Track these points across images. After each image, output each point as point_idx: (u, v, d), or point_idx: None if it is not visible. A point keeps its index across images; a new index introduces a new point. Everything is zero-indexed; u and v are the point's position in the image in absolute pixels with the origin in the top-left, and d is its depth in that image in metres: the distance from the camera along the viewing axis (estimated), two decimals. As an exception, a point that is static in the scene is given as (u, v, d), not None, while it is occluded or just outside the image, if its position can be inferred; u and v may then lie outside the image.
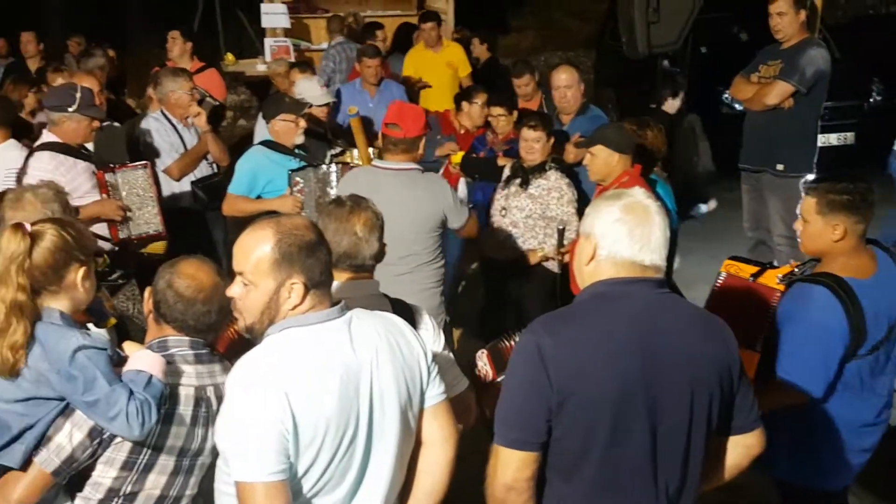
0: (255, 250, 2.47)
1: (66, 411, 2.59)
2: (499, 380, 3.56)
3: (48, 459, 2.56)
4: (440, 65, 9.26)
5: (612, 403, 2.48)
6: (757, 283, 3.56)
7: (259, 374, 2.40)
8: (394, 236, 4.31)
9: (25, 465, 2.58)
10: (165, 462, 2.67)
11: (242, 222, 6.08)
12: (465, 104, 6.97)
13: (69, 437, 2.57)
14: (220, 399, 2.74)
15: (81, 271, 2.71)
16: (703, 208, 8.95)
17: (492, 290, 6.11)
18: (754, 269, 3.64)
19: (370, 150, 6.23)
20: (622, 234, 2.55)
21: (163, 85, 6.17)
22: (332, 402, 2.42)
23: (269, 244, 2.46)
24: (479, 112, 6.88)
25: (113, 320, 3.09)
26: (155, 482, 2.68)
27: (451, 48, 9.54)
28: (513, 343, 3.70)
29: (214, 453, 2.70)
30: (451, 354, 3.36)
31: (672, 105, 7.49)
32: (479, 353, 3.67)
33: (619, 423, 2.49)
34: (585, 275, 2.65)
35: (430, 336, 3.26)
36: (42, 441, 2.58)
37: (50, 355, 2.54)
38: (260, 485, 2.33)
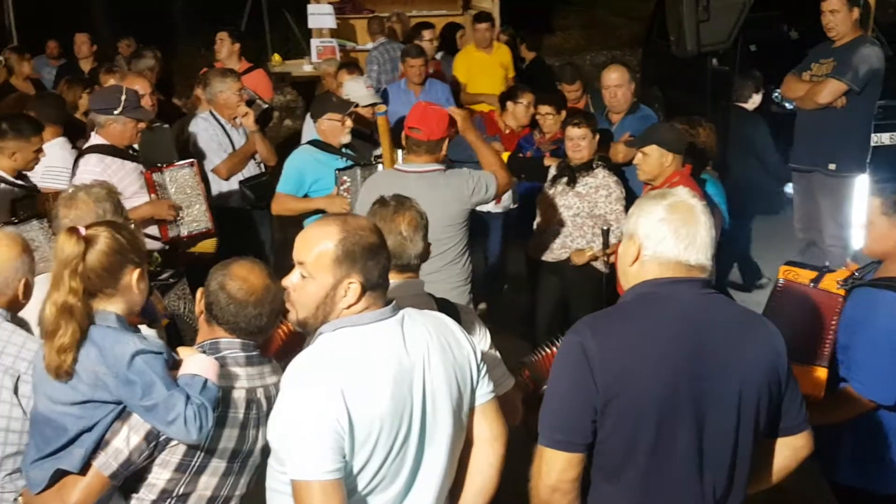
0: (318, 244, 2.49)
1: (122, 415, 2.61)
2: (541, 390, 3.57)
3: (106, 463, 2.58)
4: (493, 66, 9.12)
5: (657, 404, 2.46)
6: (818, 290, 3.51)
7: (315, 373, 2.42)
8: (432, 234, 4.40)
9: (83, 468, 2.60)
10: (217, 464, 2.69)
11: (289, 221, 6.20)
12: (509, 104, 6.95)
13: (126, 440, 2.59)
14: (269, 400, 2.77)
15: (136, 273, 2.73)
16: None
17: (538, 291, 6.08)
18: (812, 273, 3.58)
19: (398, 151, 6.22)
20: (667, 234, 2.54)
21: (212, 85, 6.23)
22: (386, 401, 2.43)
23: (333, 240, 2.48)
24: (524, 112, 6.86)
25: (165, 321, 3.12)
26: (207, 483, 2.70)
27: (501, 49, 9.43)
28: (552, 351, 3.69)
29: (265, 454, 2.72)
30: (497, 353, 3.36)
31: (754, 101, 7.33)
32: (530, 358, 3.67)
33: (664, 424, 2.47)
34: (630, 275, 2.64)
35: (477, 334, 3.27)
36: (100, 445, 2.60)
37: (107, 359, 2.56)
38: (316, 483, 2.34)
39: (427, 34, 9.22)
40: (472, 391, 2.69)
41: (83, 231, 2.63)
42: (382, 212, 3.26)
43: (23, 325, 3.02)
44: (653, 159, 4.99)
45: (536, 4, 13.03)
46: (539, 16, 10.56)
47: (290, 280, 2.56)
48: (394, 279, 3.17)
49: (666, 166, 4.97)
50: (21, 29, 11.70)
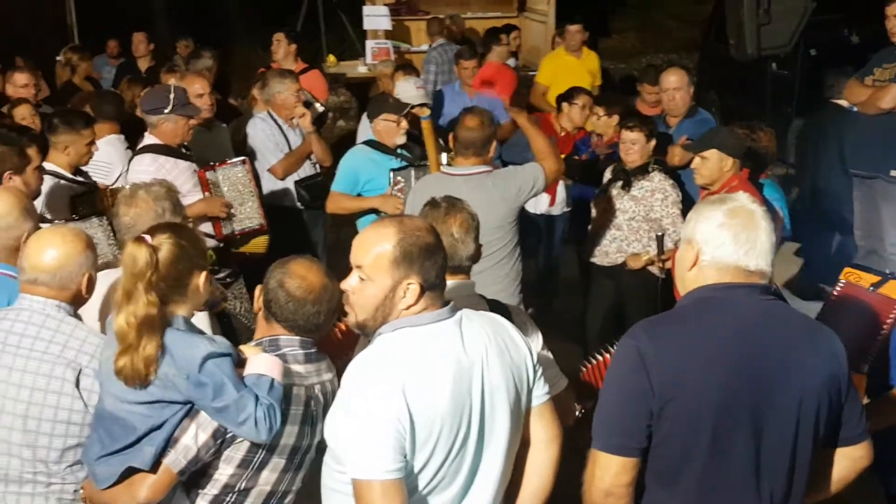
0: (376, 246, 2.49)
1: (191, 413, 2.65)
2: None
3: (176, 460, 2.62)
4: (581, 71, 8.79)
5: (714, 410, 2.44)
6: (876, 294, 3.45)
7: (375, 373, 2.43)
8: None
9: (153, 466, 2.64)
10: (278, 460, 2.72)
11: (342, 222, 6.24)
12: (565, 105, 6.92)
13: (195, 438, 2.63)
14: (326, 397, 2.80)
15: (203, 276, 2.76)
16: None
17: (591, 295, 6.05)
18: (875, 278, 3.52)
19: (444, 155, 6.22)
20: (726, 239, 2.52)
21: (270, 86, 6.28)
22: (446, 401, 2.43)
23: (390, 242, 2.48)
24: (579, 114, 6.82)
25: (224, 304, 3.14)
26: (267, 479, 2.74)
27: (591, 56, 9.16)
28: (605, 359, 3.67)
29: (320, 450, 2.75)
30: (549, 353, 3.36)
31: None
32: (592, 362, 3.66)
33: (721, 430, 2.45)
34: (688, 280, 2.62)
35: (528, 335, 3.26)
36: (169, 442, 2.64)
37: (178, 361, 2.59)
38: (377, 482, 2.34)
39: (504, 38, 9.00)
40: (529, 392, 2.69)
41: (150, 240, 2.64)
42: (434, 214, 3.27)
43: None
44: (712, 163, 4.94)
45: (592, 7, 12.96)
46: (594, 18, 10.50)
47: (349, 283, 2.56)
48: (447, 280, 3.20)
49: (725, 171, 4.93)
50: (82, 28, 11.93)
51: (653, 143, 5.55)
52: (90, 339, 2.89)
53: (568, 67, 8.83)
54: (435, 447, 2.44)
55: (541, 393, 2.73)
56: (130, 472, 2.65)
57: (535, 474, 2.74)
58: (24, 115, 5.96)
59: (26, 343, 2.85)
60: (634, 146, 5.52)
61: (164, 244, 2.66)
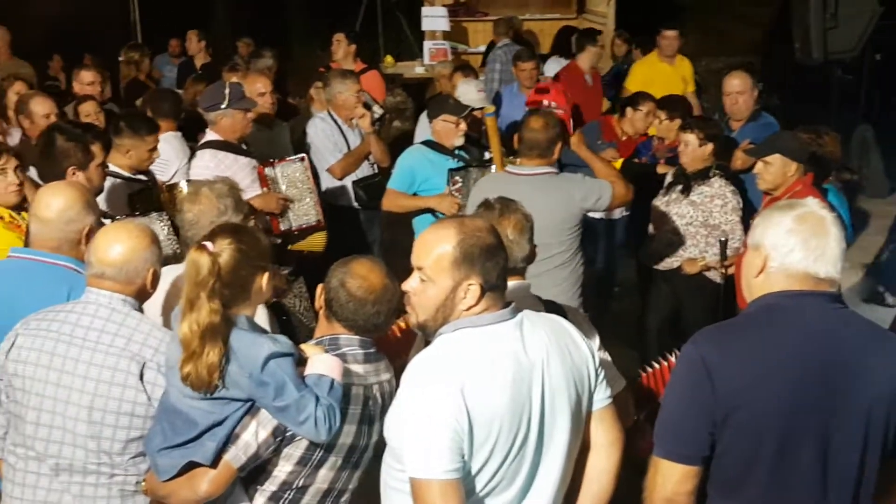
0: (437, 247, 2.49)
1: (252, 410, 2.67)
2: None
3: (236, 456, 2.65)
4: (674, 78, 8.52)
5: (779, 420, 2.41)
6: None
7: (435, 372, 2.43)
8: (542, 240, 4.39)
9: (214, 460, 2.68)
10: (335, 459, 2.74)
11: (397, 222, 6.25)
12: (629, 110, 6.87)
13: (255, 435, 2.65)
14: (384, 397, 2.81)
15: (265, 276, 2.77)
16: None
17: (648, 298, 5.99)
18: None
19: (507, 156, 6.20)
20: (796, 245, 2.48)
21: (331, 86, 6.33)
22: (505, 402, 2.42)
23: (451, 243, 2.48)
24: (643, 119, 6.77)
25: (284, 287, 3.13)
26: (325, 477, 2.75)
27: (684, 63, 8.83)
28: (663, 367, 3.63)
29: (376, 450, 2.76)
30: (607, 355, 3.34)
31: None
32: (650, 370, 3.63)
33: (786, 440, 2.42)
34: (754, 287, 2.59)
35: (586, 336, 3.24)
36: (230, 438, 2.66)
37: (241, 360, 2.61)
38: (435, 482, 2.34)
39: (593, 48, 8.61)
40: (590, 395, 2.68)
41: (211, 247, 2.65)
42: (488, 215, 3.26)
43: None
44: (775, 168, 4.87)
45: (652, 9, 12.82)
46: (654, 20, 10.37)
47: (410, 284, 2.56)
48: None
49: (788, 176, 4.86)
50: (145, 28, 12.13)
51: (708, 147, 5.45)
52: (154, 334, 2.93)
53: (661, 74, 8.53)
54: (493, 449, 2.43)
55: (602, 396, 2.71)
56: (191, 465, 2.69)
57: (595, 480, 2.72)
58: (89, 111, 6.06)
59: (92, 336, 2.89)
60: (687, 147, 5.47)
61: (226, 250, 2.66)
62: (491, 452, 2.42)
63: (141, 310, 3.04)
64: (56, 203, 3.32)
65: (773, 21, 11.36)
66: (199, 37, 10.42)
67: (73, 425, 2.88)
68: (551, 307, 3.25)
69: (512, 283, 3.19)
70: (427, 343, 2.70)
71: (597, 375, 2.68)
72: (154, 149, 5.10)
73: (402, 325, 3.26)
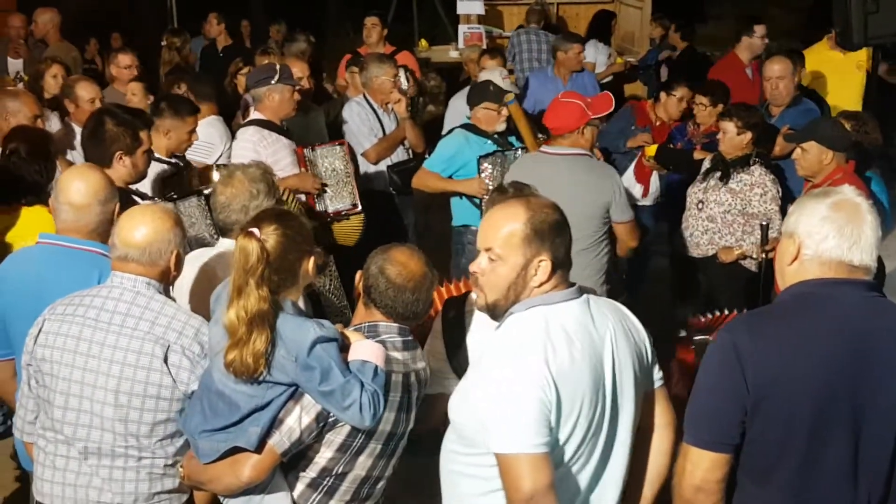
0: (506, 225, 2.51)
1: (295, 395, 2.67)
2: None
3: (280, 441, 2.65)
4: (848, 66, 7.78)
5: (811, 409, 2.41)
6: None
7: (518, 348, 2.45)
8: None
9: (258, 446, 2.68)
10: (374, 446, 2.75)
11: (431, 207, 6.26)
12: (663, 95, 6.82)
13: (298, 420, 2.66)
14: (420, 384, 2.83)
15: (311, 260, 2.78)
16: None
17: (680, 286, 5.95)
18: None
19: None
20: (830, 233, 2.47)
21: (368, 69, 6.34)
22: (586, 375, 2.45)
23: (521, 220, 2.50)
24: (676, 105, 6.72)
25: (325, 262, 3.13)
26: (363, 464, 2.76)
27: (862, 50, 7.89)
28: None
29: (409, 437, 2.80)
30: None
31: None
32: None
33: (818, 428, 2.42)
34: (788, 275, 2.58)
35: None
36: (273, 423, 2.67)
37: (287, 344, 2.61)
38: (524, 456, 2.35)
39: (758, 29, 7.71)
40: (649, 375, 2.72)
41: (258, 233, 2.65)
42: (500, 199, 3.26)
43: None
44: (811, 156, 4.83)
45: (690, -9, 12.74)
46: (692, 5, 10.28)
47: (479, 265, 2.57)
48: None
49: (825, 164, 4.81)
50: (181, 12, 12.19)
51: (747, 135, 5.39)
52: (178, 317, 2.95)
53: (832, 63, 7.84)
54: (577, 421, 2.45)
55: (657, 378, 2.76)
56: (233, 450, 2.69)
57: (654, 461, 2.77)
58: (135, 91, 6.11)
59: (117, 320, 2.91)
60: (725, 136, 5.45)
61: (272, 236, 2.66)
62: (574, 424, 2.45)
63: (167, 293, 3.06)
64: (87, 187, 3.34)
65: (813, 4, 11.19)
66: (218, 19, 10.36)
67: (100, 409, 2.91)
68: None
69: None
70: (451, 329, 2.71)
71: (653, 356, 2.73)
72: (193, 131, 5.12)
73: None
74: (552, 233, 2.51)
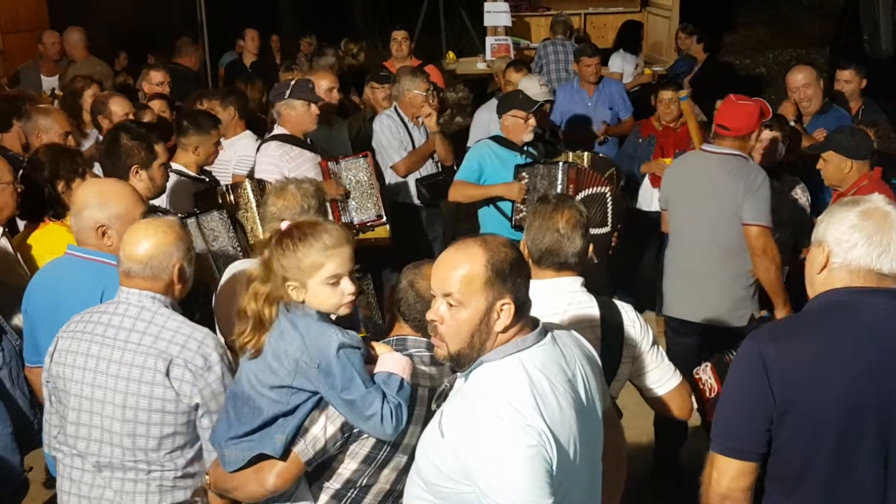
0: (464, 267, 2.35)
1: (321, 404, 2.68)
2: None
3: (305, 450, 2.66)
4: None
5: (838, 417, 2.40)
6: None
7: (507, 404, 2.27)
8: (708, 218, 4.63)
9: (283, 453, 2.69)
10: (399, 459, 2.74)
11: (460, 218, 6.26)
12: (654, 100, 6.93)
13: (323, 429, 2.66)
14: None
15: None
16: None
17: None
18: None
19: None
20: (859, 241, 2.47)
21: (401, 83, 6.37)
22: (572, 417, 2.34)
23: (480, 261, 2.34)
24: (666, 105, 6.88)
25: (363, 332, 3.13)
26: (387, 477, 2.75)
27: None
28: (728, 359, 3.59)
29: None
30: (660, 350, 3.33)
31: None
32: (703, 365, 3.59)
33: (846, 438, 2.41)
34: (817, 283, 2.57)
35: (637, 333, 3.25)
36: (299, 432, 2.68)
37: (310, 349, 2.62)
38: None
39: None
40: (605, 396, 2.68)
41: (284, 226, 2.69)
42: (542, 209, 3.26)
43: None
44: (832, 165, 4.85)
45: (718, 1, 12.65)
46: (720, 12, 10.20)
47: (437, 312, 2.40)
48: (552, 277, 3.17)
49: (846, 173, 4.82)
50: (211, 27, 12.30)
51: (766, 142, 5.37)
52: (182, 330, 2.97)
53: None
54: (571, 461, 2.33)
55: (608, 397, 2.74)
56: (259, 458, 2.71)
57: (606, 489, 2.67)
58: (160, 109, 6.17)
59: (122, 335, 2.96)
60: (761, 145, 5.40)
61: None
62: (569, 467, 2.32)
63: (174, 306, 3.07)
64: (99, 199, 3.42)
65: (843, 12, 11.10)
66: (254, 37, 10.45)
67: (109, 424, 2.95)
68: (604, 302, 3.25)
69: (564, 278, 3.21)
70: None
71: (602, 376, 2.68)
72: (218, 141, 5.19)
73: None
74: (513, 273, 2.34)
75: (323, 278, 2.63)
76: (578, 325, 3.08)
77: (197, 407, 2.93)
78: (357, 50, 9.45)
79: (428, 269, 2.78)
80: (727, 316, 4.72)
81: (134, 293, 3.00)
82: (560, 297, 3.14)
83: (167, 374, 2.90)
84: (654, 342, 3.30)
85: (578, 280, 3.26)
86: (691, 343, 4.87)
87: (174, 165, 4.88)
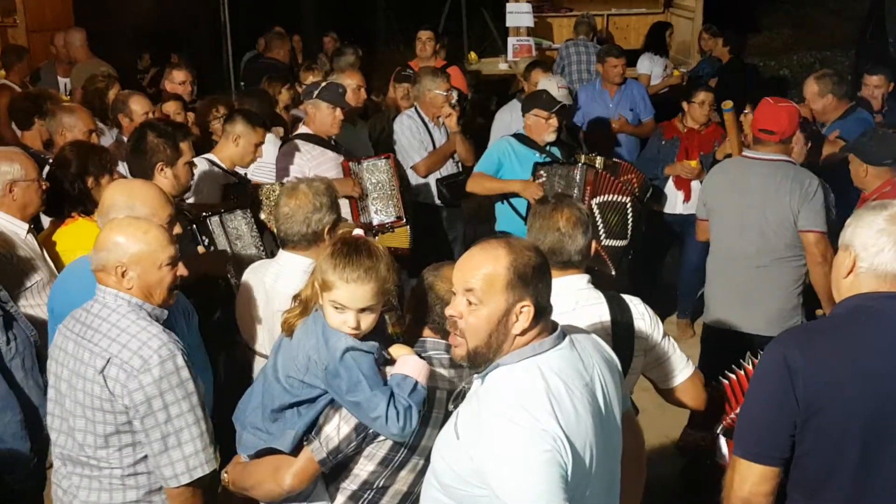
0: (487, 267, 2.35)
1: (335, 402, 2.69)
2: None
3: (318, 448, 2.67)
4: None
5: (863, 423, 2.38)
6: None
7: (523, 407, 2.26)
8: (757, 226, 4.60)
9: (294, 450, 2.71)
10: (416, 461, 2.74)
11: (480, 218, 6.26)
12: (684, 103, 6.86)
13: (337, 429, 2.67)
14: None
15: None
16: None
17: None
18: None
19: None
20: (886, 245, 2.46)
21: (421, 83, 6.39)
22: (589, 423, 2.32)
23: (503, 264, 2.34)
24: (699, 108, 6.78)
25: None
26: (405, 479, 2.76)
27: None
28: (740, 375, 3.58)
29: None
30: (672, 341, 3.33)
31: None
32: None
33: (870, 444, 2.39)
34: (843, 288, 2.56)
35: (647, 326, 3.25)
36: (312, 429, 2.70)
37: (320, 349, 2.65)
38: None
39: None
40: (624, 400, 2.67)
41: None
42: (542, 209, 3.27)
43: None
44: (853, 168, 4.85)
45: (741, 1, 12.57)
46: (744, 14, 10.13)
47: (457, 307, 2.40)
48: (557, 276, 3.14)
49: (863, 177, 4.81)
50: (235, 27, 12.36)
51: (804, 145, 5.33)
52: (129, 330, 2.94)
53: None
54: (588, 468, 2.31)
55: (627, 401, 2.74)
56: (269, 451, 2.74)
57: (626, 490, 2.64)
58: (174, 111, 6.19)
59: (87, 333, 2.99)
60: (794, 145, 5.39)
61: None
62: (584, 473, 2.30)
63: (154, 312, 3.04)
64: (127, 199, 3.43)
65: (868, 14, 11.01)
66: (281, 38, 10.48)
67: (69, 418, 3.00)
68: (612, 297, 3.25)
69: (570, 276, 3.21)
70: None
71: (622, 380, 2.66)
72: (260, 144, 5.12)
73: None
74: (535, 277, 2.35)
75: (330, 299, 2.64)
76: (588, 322, 3.09)
77: (130, 408, 2.89)
78: (439, 48, 9.47)
79: (448, 270, 2.78)
80: (776, 325, 4.58)
81: (101, 289, 3.03)
82: (567, 295, 3.12)
83: (102, 371, 2.89)
84: (665, 334, 3.30)
85: (585, 277, 3.26)
86: (732, 352, 4.82)
87: (209, 156, 4.90)
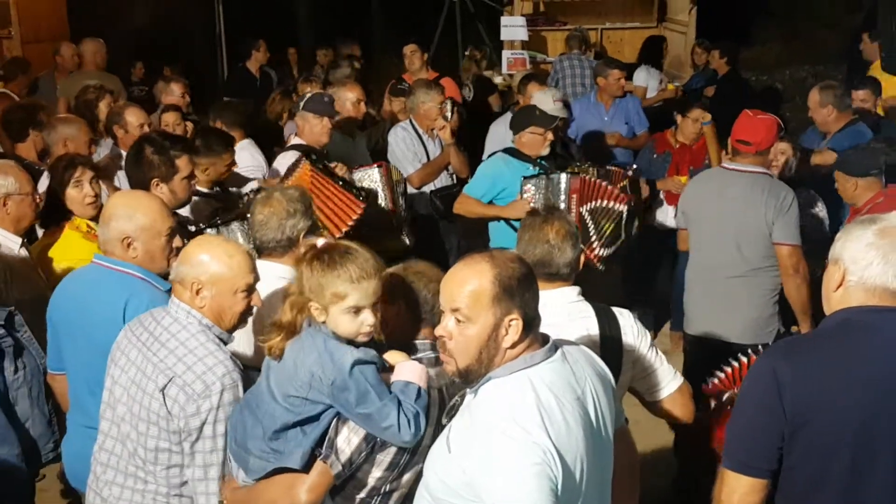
0: (472, 283, 2.34)
1: (341, 415, 2.68)
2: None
3: (333, 461, 2.66)
4: None
5: (851, 436, 2.39)
6: None
7: (513, 421, 2.26)
8: (733, 236, 4.63)
9: (304, 466, 2.69)
10: (417, 461, 2.73)
11: (474, 231, 6.27)
12: (678, 117, 6.87)
13: (347, 440, 2.67)
14: (446, 400, 2.79)
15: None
16: None
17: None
18: None
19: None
20: (875, 259, 2.46)
21: (416, 95, 6.42)
22: (580, 436, 2.33)
23: (488, 276, 2.34)
24: (692, 125, 6.80)
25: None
26: (408, 481, 2.76)
27: None
28: (738, 366, 3.61)
29: None
30: (660, 354, 3.34)
31: None
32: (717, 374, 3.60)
33: (859, 457, 2.40)
34: (832, 301, 2.57)
35: (634, 339, 3.26)
36: (322, 443, 2.69)
37: (325, 364, 2.63)
38: None
39: None
40: (617, 414, 2.68)
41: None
42: (531, 221, 3.29)
43: None
44: (840, 184, 4.92)
45: (734, 16, 12.61)
46: (737, 27, 10.15)
47: (445, 328, 2.40)
48: (545, 288, 3.16)
49: (853, 191, 4.85)
50: (229, 38, 12.40)
51: (784, 156, 5.39)
52: (196, 352, 2.93)
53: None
54: (578, 481, 2.31)
55: (621, 416, 2.72)
56: (278, 470, 2.72)
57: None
58: (173, 122, 6.21)
59: (154, 346, 2.97)
60: (783, 157, 5.46)
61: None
62: (574, 487, 2.31)
63: (223, 335, 3.04)
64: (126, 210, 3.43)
65: (860, 28, 11.07)
66: (264, 49, 10.40)
67: (120, 424, 2.99)
68: (601, 309, 3.26)
69: (558, 290, 3.23)
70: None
71: (615, 394, 2.66)
72: (232, 162, 5.20)
73: None
74: (521, 288, 2.34)
75: (344, 308, 2.64)
76: (577, 335, 3.10)
77: (186, 429, 2.88)
78: (480, 57, 9.50)
79: (417, 265, 2.83)
80: (753, 333, 4.68)
81: (174, 303, 3.00)
82: (556, 307, 3.13)
83: (163, 389, 2.88)
84: (652, 345, 3.31)
85: (575, 289, 3.28)
86: (713, 359, 4.85)
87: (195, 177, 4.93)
